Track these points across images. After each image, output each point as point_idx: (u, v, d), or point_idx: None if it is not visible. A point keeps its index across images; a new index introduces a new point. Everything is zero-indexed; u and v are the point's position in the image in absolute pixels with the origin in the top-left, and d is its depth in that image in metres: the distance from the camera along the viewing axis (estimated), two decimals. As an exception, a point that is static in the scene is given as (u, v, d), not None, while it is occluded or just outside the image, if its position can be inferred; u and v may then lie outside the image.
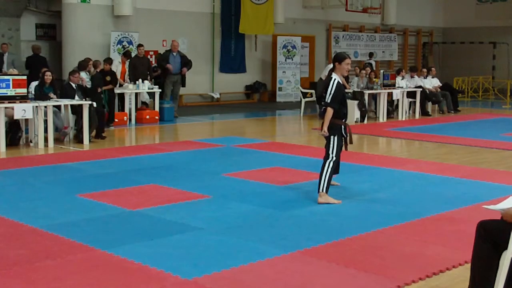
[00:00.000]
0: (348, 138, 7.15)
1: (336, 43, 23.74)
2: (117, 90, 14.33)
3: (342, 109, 7.01)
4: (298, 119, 16.48)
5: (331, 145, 6.98)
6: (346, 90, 15.65)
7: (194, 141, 11.67)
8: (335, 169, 7.11)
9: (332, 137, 6.96)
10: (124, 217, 6.22)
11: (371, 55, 23.74)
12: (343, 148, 7.15)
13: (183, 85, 15.84)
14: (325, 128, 6.88)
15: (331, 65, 7.30)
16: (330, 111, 6.87)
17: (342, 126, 7.01)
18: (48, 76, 11.42)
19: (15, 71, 11.80)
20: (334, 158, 6.97)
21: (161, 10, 18.53)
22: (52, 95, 11.21)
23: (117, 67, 14.85)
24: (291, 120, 16.63)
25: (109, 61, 14.20)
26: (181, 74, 15.58)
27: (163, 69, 15.43)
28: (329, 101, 6.88)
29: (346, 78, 16.04)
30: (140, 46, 15.45)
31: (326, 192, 6.89)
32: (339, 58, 7.02)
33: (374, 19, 24.51)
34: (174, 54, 15.50)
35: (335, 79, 6.98)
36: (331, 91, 6.90)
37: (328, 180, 6.90)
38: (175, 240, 5.43)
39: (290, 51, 21.38)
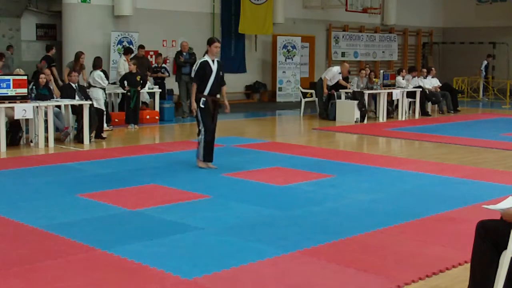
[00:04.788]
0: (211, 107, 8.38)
1: (336, 43, 23.73)
2: (117, 90, 14.33)
3: (201, 85, 8.33)
4: (298, 119, 16.47)
5: (198, 118, 8.41)
6: (346, 90, 15.70)
7: (194, 141, 11.64)
8: (209, 150, 8.55)
9: (196, 111, 8.29)
10: (124, 217, 6.22)
11: (488, 56, 23.48)
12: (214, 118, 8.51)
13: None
14: (194, 105, 8.22)
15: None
16: (194, 86, 8.34)
17: (202, 99, 8.23)
18: (42, 79, 11.38)
19: (21, 71, 11.74)
20: (204, 129, 8.41)
21: (161, 10, 18.51)
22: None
23: (123, 65, 14.78)
24: (291, 120, 16.63)
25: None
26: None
27: (179, 68, 15.50)
28: (193, 75, 8.39)
29: (346, 79, 16.00)
30: (141, 48, 15.47)
31: (204, 160, 8.60)
32: (209, 42, 8.42)
33: (374, 19, 24.50)
34: (184, 54, 15.50)
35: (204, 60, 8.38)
36: (195, 68, 8.35)
37: (204, 149, 8.52)
38: (175, 240, 5.43)
39: (290, 51, 21.37)
